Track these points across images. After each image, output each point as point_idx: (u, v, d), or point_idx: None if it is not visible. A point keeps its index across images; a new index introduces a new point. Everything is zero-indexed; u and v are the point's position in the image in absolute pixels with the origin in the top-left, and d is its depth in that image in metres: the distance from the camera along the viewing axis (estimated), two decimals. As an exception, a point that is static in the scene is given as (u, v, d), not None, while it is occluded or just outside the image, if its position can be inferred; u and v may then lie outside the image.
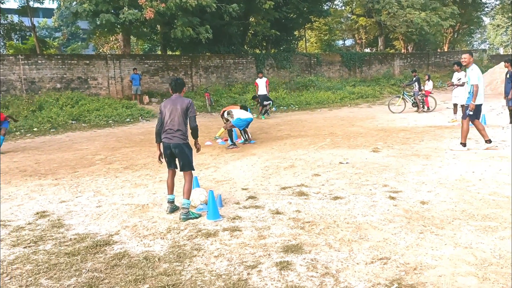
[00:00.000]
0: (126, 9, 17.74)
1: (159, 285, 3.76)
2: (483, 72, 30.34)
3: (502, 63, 27.99)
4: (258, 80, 18.02)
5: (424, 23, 27.63)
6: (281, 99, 21.73)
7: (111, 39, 32.68)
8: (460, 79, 13.66)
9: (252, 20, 27.25)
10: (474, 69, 8.84)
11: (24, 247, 4.74)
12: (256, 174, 7.65)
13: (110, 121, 17.28)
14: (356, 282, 3.66)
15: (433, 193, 6.00)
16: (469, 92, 8.90)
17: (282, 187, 6.66)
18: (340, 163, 8.16)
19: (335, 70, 30.12)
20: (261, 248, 4.42)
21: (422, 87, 17.38)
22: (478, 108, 8.84)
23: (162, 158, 5.90)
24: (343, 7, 39.09)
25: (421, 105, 17.09)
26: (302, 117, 17.03)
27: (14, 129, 15.10)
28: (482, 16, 46.11)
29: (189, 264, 4.14)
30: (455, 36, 42.34)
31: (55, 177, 8.18)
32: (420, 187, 6.35)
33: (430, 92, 17.56)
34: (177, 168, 5.84)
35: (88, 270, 4.12)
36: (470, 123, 8.94)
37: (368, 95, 24.22)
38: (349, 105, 21.41)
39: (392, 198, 5.83)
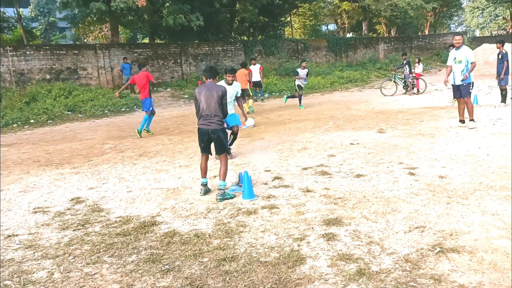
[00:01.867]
0: (118, -3, 17.71)
1: (218, 258, 4.03)
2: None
3: (484, 45, 28.77)
4: (251, 67, 18.18)
5: (408, 7, 28.13)
6: (272, 85, 21.98)
7: (95, 28, 32.33)
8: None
9: (239, 6, 27.30)
10: (467, 49, 9.40)
11: (74, 230, 4.95)
12: (273, 157, 7.93)
13: (106, 111, 17.32)
14: (400, 248, 3.99)
15: (447, 168, 6.37)
16: (462, 71, 9.27)
17: (303, 167, 6.95)
18: (351, 144, 8.50)
19: (322, 55, 30.45)
20: (303, 223, 4.72)
21: (412, 70, 17.83)
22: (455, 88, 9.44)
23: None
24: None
25: (412, 87, 17.55)
26: (296, 102, 17.28)
27: (11, 121, 15.05)
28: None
29: (239, 239, 4.42)
30: (436, 19, 42.99)
31: (73, 166, 8.33)
32: (433, 163, 6.72)
33: (421, 75, 18.04)
34: (211, 154, 6.07)
35: (145, 247, 4.36)
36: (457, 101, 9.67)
37: (357, 79, 24.65)
38: (340, 89, 21.79)
39: (412, 174, 6.19)
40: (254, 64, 18.18)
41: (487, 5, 55.09)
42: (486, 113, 11.23)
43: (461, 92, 9.29)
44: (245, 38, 29.73)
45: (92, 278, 3.82)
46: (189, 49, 24.95)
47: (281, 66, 25.64)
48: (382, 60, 32.24)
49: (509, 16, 46.67)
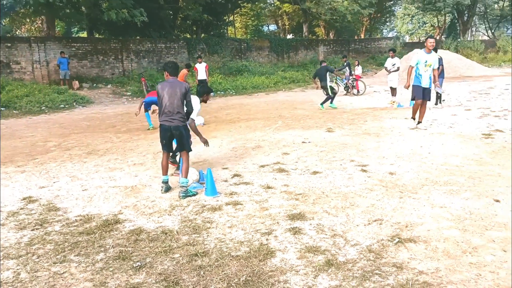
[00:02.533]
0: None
1: (189, 253, 4.09)
2: (399, 58, 32.64)
3: (416, 50, 30.32)
4: (197, 65, 18.19)
5: (347, 11, 29.16)
6: (217, 83, 22.01)
7: (28, 20, 30.77)
8: (395, 64, 14.89)
9: (182, 4, 27.07)
10: (436, 54, 9.73)
11: (32, 230, 4.80)
12: (228, 155, 8.03)
13: (43, 108, 16.60)
14: (363, 240, 4.23)
15: (395, 165, 6.77)
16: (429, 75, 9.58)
17: (260, 165, 7.11)
18: (303, 142, 8.77)
19: (264, 56, 30.86)
20: (268, 218, 4.87)
21: (352, 72, 18.55)
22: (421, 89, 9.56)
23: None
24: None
25: (352, 88, 18.27)
26: (243, 101, 17.50)
27: None
28: (392, 6, 49.07)
29: (207, 235, 4.49)
30: (372, 24, 44.79)
31: (17, 165, 7.98)
32: (382, 160, 7.11)
33: (360, 77, 18.81)
34: (172, 152, 6.07)
35: (112, 245, 4.33)
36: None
37: (299, 80, 25.23)
38: (283, 89, 22.21)
39: (364, 170, 6.52)
40: (200, 63, 18.18)
41: (417, 12, 58.21)
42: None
43: (426, 95, 9.62)
44: (188, 36, 29.50)
45: (61, 277, 3.75)
46: (131, 45, 24.46)
47: (225, 65, 25.72)
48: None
49: (437, 23, 49.51)
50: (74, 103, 17.66)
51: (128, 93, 20.72)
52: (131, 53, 24.39)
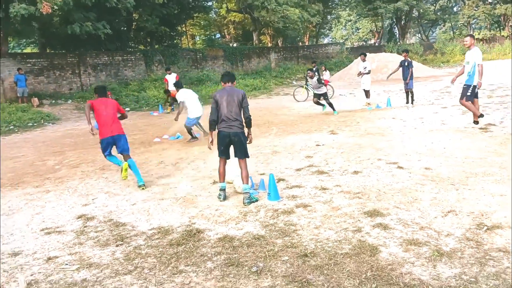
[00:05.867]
0: (17, 3, 16.27)
1: (297, 255, 4.19)
2: (347, 64, 33.94)
3: (368, 55, 31.62)
4: (167, 76, 18.04)
5: (298, 19, 29.98)
6: (183, 94, 21.79)
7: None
8: (366, 67, 15.56)
9: (136, 15, 26.66)
10: (477, 50, 9.23)
11: (117, 246, 4.69)
12: (252, 161, 8.09)
13: (11, 127, 15.76)
14: (453, 230, 4.52)
15: (424, 161, 7.17)
16: (468, 73, 9.25)
17: (295, 169, 7.27)
18: (317, 145, 9.03)
19: (219, 65, 30.96)
20: (346, 216, 5.05)
21: (321, 77, 19.10)
22: (474, 89, 9.28)
23: (212, 145, 6.10)
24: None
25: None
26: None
27: None
28: (335, 13, 50.90)
29: (299, 237, 4.60)
30: (317, 30, 46.18)
31: (34, 185, 7.62)
32: (407, 158, 7.49)
33: (328, 81, 19.41)
34: (228, 158, 6.10)
35: (213, 254, 4.33)
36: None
37: (260, 87, 25.54)
38: (249, 97, 22.40)
39: (400, 167, 6.87)
40: (170, 74, 18.04)
41: (349, 20, 60.81)
42: (405, 114, 12.59)
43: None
44: (142, 47, 29.03)
45: (189, 286, 3.73)
46: (88, 59, 23.76)
47: (184, 75, 25.54)
48: (274, 68, 33.70)
49: (375, 29, 51.94)
50: (42, 121, 16.88)
51: (93, 108, 20.04)
52: (89, 67, 23.69)
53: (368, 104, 15.30)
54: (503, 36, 41.65)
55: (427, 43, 42.55)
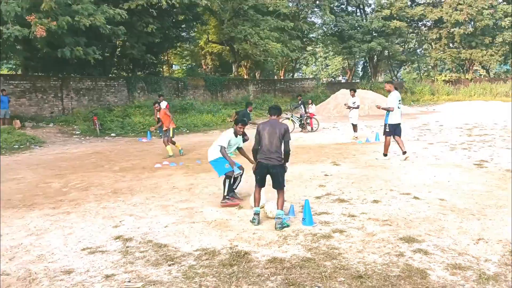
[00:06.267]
0: (11, 26, 16.18)
1: (352, 276, 4.40)
2: (323, 98, 34.86)
3: (342, 90, 32.67)
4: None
5: (279, 54, 30.84)
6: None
7: None
8: (355, 102, 16.16)
9: (119, 42, 26.75)
10: (392, 94, 11.17)
11: (169, 265, 4.77)
12: (268, 189, 8.29)
13: (-3, 149, 15.40)
14: (489, 256, 4.86)
15: (434, 193, 7.56)
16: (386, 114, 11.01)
17: (315, 197, 7.51)
18: (326, 175, 9.32)
19: (200, 94, 31.27)
20: (384, 242, 5.32)
21: (307, 110, 19.66)
22: (392, 127, 10.96)
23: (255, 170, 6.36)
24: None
25: (306, 126, 19.33)
26: (204, 139, 17.63)
27: None
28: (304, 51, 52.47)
29: (346, 260, 4.82)
30: (294, 65, 47.38)
31: (50, 207, 7.56)
32: (418, 189, 7.87)
33: (314, 114, 19.97)
34: (263, 186, 6.30)
35: (269, 274, 4.49)
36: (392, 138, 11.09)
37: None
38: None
39: (417, 198, 7.24)
40: (161, 101, 18.14)
41: (324, 56, 62.78)
42: (397, 148, 13.11)
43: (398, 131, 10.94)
44: (124, 74, 29.04)
45: (261, 306, 3.88)
46: (71, 82, 23.59)
47: (169, 103, 25.64)
48: (252, 100, 34.22)
49: (347, 66, 53.73)
50: (28, 143, 16.57)
51: (78, 132, 19.85)
52: (71, 91, 23.48)
53: (356, 138, 15.82)
54: (467, 79, 43.85)
55: (397, 82, 44.29)
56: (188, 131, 21.17)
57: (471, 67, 45.17)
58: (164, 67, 35.87)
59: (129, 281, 4.33)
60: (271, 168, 6.13)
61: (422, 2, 44.34)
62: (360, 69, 53.60)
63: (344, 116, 27.11)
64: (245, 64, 42.09)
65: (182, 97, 29.19)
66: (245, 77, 42.89)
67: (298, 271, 4.56)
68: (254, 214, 6.19)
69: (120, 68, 29.59)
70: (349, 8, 44.48)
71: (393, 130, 10.95)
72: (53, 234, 6.01)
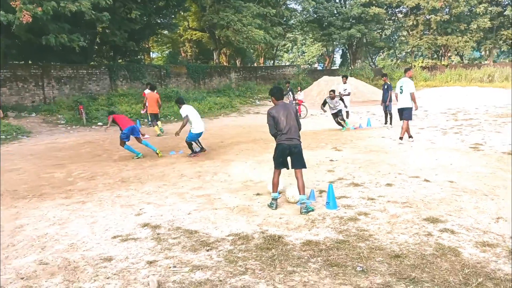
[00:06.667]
0: (-5, 11, 15.70)
1: (389, 255, 4.55)
2: (304, 85, 35.04)
3: (324, 77, 32.89)
4: (147, 91, 17.94)
5: (261, 41, 30.80)
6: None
7: None
8: (346, 89, 16.35)
9: (99, 29, 26.22)
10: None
11: (207, 250, 4.83)
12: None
13: (-16, 139, 15.03)
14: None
15: (442, 176, 7.78)
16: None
17: (328, 181, 7.64)
18: (331, 160, 9.47)
19: (182, 82, 31.00)
20: (410, 223, 5.49)
21: (295, 97, 19.78)
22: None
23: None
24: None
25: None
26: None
27: None
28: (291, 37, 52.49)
29: (378, 241, 4.96)
30: (275, 52, 47.33)
31: (63, 196, 7.49)
32: (425, 172, 8.08)
33: (302, 101, 20.11)
34: (287, 168, 6.38)
35: (309, 256, 4.59)
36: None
37: (227, 106, 25.86)
38: (221, 115, 22.68)
39: (427, 180, 7.45)
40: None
41: (303, 43, 63.00)
42: (390, 133, 13.39)
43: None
44: (105, 62, 28.52)
45: (310, 285, 3.98)
46: (52, 71, 23.04)
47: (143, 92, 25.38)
48: (234, 87, 34.14)
49: (326, 53, 54.02)
50: (14, 134, 16.21)
51: (63, 122, 19.49)
52: (52, 79, 22.95)
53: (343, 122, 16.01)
54: (443, 65, 44.67)
55: (376, 68, 44.81)
56: (176, 119, 21.02)
57: (446, 53, 46.03)
58: (145, 55, 35.34)
59: (174, 266, 4.36)
60: (293, 147, 6.23)
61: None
62: (338, 56, 53.93)
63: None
64: (225, 51, 41.88)
65: (165, 85, 28.91)
66: (224, 64, 42.73)
67: (336, 253, 4.67)
68: (273, 199, 6.29)
69: (101, 56, 29.02)
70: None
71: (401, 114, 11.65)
72: (76, 224, 5.96)
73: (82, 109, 19.55)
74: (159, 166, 9.80)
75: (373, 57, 54.78)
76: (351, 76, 35.09)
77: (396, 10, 47.27)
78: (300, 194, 6.15)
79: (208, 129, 16.37)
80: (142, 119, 19.27)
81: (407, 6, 42.99)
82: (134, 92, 25.47)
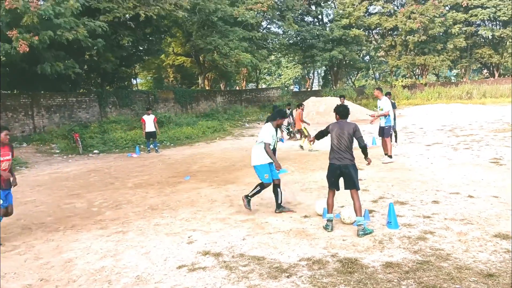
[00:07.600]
0: (-9, 41, 15.30)
1: (481, 274, 4.42)
2: (293, 107, 35.19)
3: (312, 98, 33.15)
4: (145, 117, 17.73)
5: (249, 64, 30.94)
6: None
7: None
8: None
9: (87, 56, 25.86)
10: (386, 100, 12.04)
11: (287, 277, 4.61)
12: (315, 194, 8.23)
13: (-20, 171, 14.37)
14: None
15: (481, 191, 7.76)
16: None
17: (370, 201, 7.51)
18: (359, 179, 9.32)
19: (170, 107, 30.71)
20: (482, 240, 5.40)
21: (294, 118, 19.76)
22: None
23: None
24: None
25: (294, 134, 19.46)
26: (196, 151, 17.32)
27: None
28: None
29: (459, 260, 4.84)
30: (257, 74, 47.56)
31: (98, 227, 7.12)
32: (462, 188, 8.05)
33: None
34: (338, 190, 6.22)
35: (399, 279, 4.42)
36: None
37: (220, 129, 25.65)
38: (217, 138, 22.43)
39: (471, 196, 7.40)
40: (149, 114, 17.75)
41: (286, 66, 63.68)
42: (401, 151, 13.41)
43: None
44: (93, 89, 28.05)
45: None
46: (41, 100, 22.51)
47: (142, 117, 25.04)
48: (221, 111, 33.94)
49: (307, 75, 54.63)
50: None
51: (57, 151, 18.92)
52: (42, 108, 22.41)
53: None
54: (421, 83, 45.70)
55: (358, 88, 45.47)
56: (172, 144, 20.70)
57: (424, 72, 47.15)
58: (133, 81, 34.98)
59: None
60: (344, 168, 6.09)
61: (375, 12, 45.90)
62: (319, 78, 54.57)
63: (316, 123, 27.51)
64: (209, 75, 41.85)
65: (154, 110, 28.52)
66: (207, 88, 42.68)
67: (424, 274, 4.52)
68: (328, 220, 6.13)
69: (89, 83, 28.55)
70: (309, 19, 45.28)
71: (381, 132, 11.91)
72: (129, 255, 5.65)
73: (77, 138, 19.04)
74: (182, 192, 9.51)
75: (352, 78, 55.68)
76: (334, 97, 35.50)
77: (373, 32, 48.37)
78: (356, 215, 5.99)
79: (211, 153, 16.21)
80: (139, 145, 18.94)
81: (385, 28, 44.05)
82: (125, 119, 25.05)
